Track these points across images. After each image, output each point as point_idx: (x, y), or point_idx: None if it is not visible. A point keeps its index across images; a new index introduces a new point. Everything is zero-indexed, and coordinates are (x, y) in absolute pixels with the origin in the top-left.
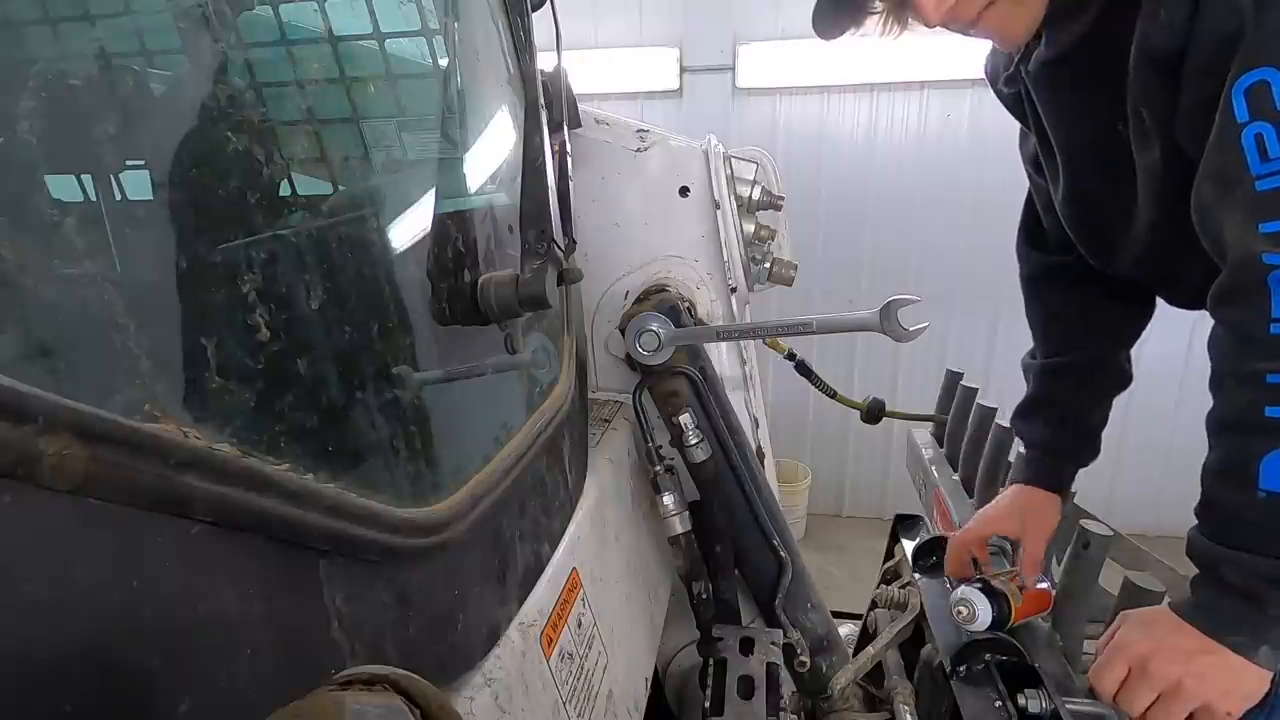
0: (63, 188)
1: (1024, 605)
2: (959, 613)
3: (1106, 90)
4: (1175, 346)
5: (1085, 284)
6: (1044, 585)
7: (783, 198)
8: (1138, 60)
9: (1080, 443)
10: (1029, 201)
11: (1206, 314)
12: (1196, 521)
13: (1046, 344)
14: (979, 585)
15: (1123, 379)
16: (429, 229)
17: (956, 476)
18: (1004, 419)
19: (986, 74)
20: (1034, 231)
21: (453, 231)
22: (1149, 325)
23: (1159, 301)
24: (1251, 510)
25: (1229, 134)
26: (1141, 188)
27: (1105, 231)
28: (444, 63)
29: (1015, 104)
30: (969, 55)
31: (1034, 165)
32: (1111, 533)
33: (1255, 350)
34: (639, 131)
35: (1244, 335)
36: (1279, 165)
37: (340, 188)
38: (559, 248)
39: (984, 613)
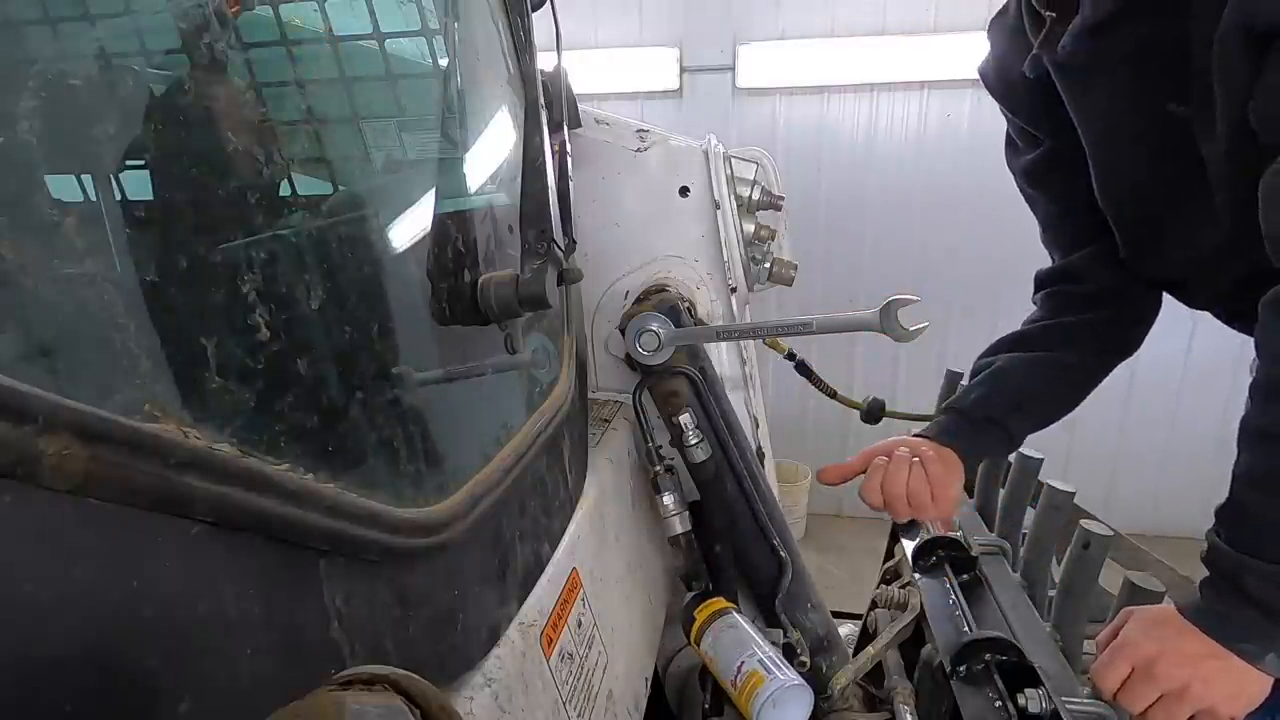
0: (63, 188)
1: None
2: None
3: (1158, 64)
4: (1175, 348)
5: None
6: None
7: (783, 198)
8: (1230, 36)
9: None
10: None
11: (1206, 316)
12: (1216, 524)
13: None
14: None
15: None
16: (429, 229)
17: None
18: None
19: (982, 73)
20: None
21: (453, 231)
22: (1147, 326)
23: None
24: None
25: None
26: (1211, 176)
27: (1155, 225)
28: (444, 63)
29: (1029, 98)
30: (969, 55)
31: (1028, 177)
32: (1111, 533)
33: None
34: (639, 131)
35: None
36: None
37: (340, 188)
38: (559, 248)
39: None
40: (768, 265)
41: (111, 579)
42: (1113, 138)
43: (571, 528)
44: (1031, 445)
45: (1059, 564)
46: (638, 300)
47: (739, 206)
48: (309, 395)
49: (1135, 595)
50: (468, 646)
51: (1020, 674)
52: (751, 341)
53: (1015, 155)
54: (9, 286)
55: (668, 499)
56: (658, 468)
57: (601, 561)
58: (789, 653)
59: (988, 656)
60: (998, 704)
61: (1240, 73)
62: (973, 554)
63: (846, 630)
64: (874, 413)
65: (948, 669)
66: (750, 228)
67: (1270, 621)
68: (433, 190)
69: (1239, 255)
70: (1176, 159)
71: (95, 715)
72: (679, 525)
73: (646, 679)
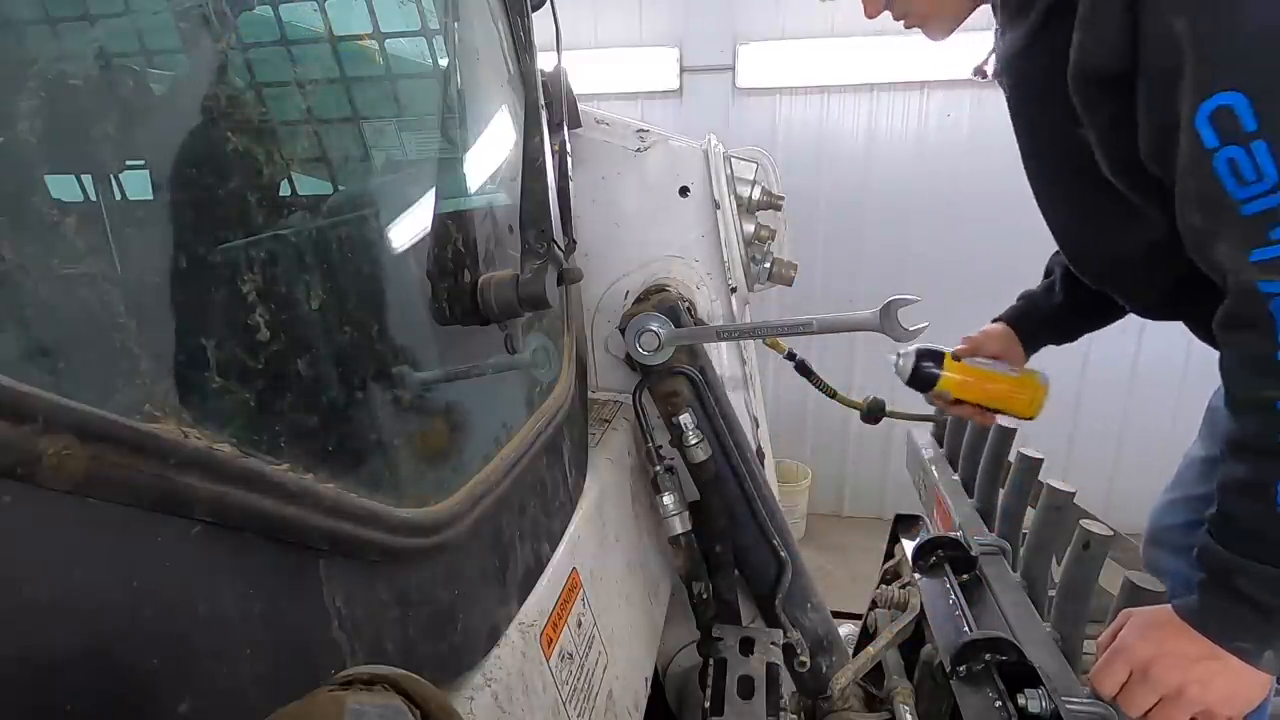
0: (63, 188)
1: (969, 382)
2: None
3: (1060, 93)
4: (1175, 348)
5: None
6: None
7: (783, 198)
8: (1076, 77)
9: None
10: None
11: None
12: (1208, 526)
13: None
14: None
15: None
16: (429, 229)
17: (956, 476)
18: (1003, 419)
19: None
20: None
21: (453, 231)
22: (1145, 328)
23: None
24: (1272, 526)
25: (1201, 161)
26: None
27: (1078, 230)
28: (444, 63)
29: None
30: (969, 55)
31: None
32: (1111, 533)
33: (1265, 378)
34: (639, 131)
35: (1251, 362)
36: (1257, 188)
37: (340, 188)
38: (559, 248)
39: (908, 362)
40: (768, 265)
41: (111, 579)
42: (1037, 154)
43: (571, 528)
44: (1031, 445)
45: (1059, 564)
46: (638, 300)
47: (739, 206)
48: (309, 395)
49: (1135, 595)
50: (468, 646)
51: (1020, 674)
52: (751, 341)
53: None
54: (9, 286)
55: (668, 499)
56: (658, 468)
57: (601, 561)
58: (789, 653)
59: (988, 656)
60: (998, 704)
61: (1102, 108)
62: (973, 554)
63: (846, 630)
64: (874, 413)
65: (948, 669)
66: (750, 228)
67: (1264, 619)
68: (433, 190)
69: (1159, 261)
70: (1089, 176)
71: (95, 715)
72: (679, 525)
73: (646, 679)
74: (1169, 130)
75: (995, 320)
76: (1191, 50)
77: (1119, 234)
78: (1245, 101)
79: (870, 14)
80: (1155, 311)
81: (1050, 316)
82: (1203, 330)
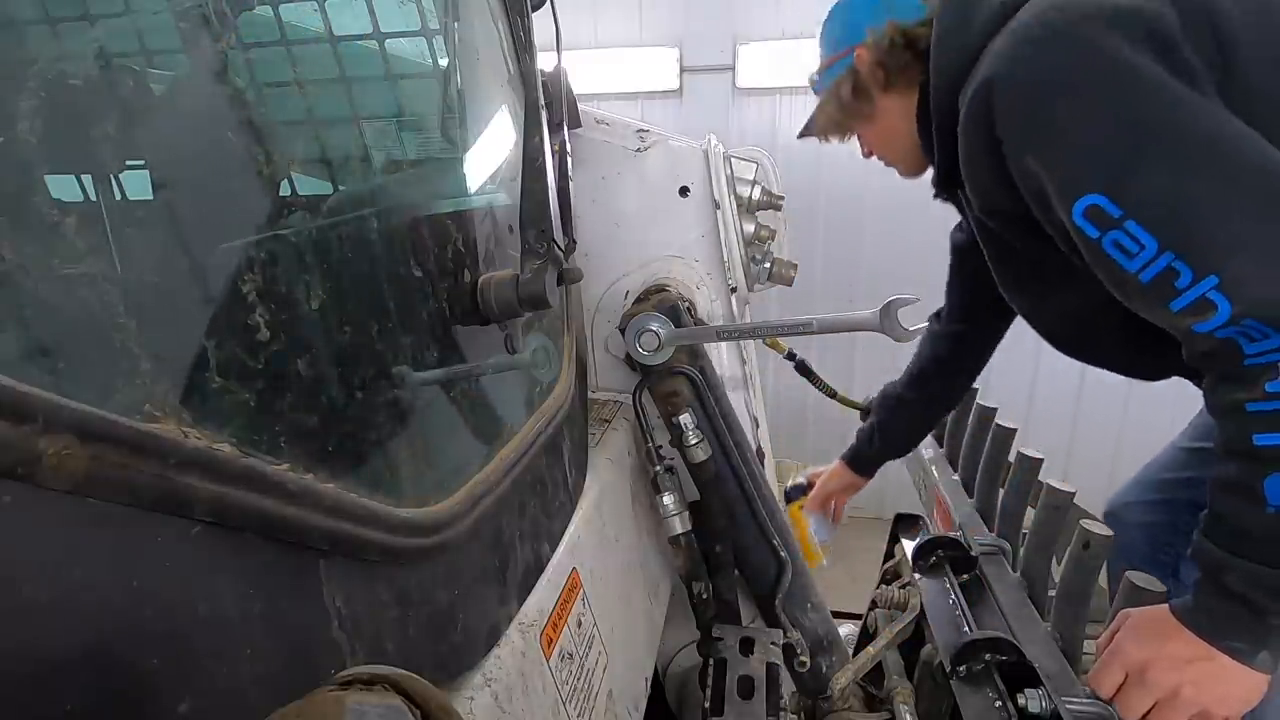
0: (63, 188)
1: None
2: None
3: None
4: None
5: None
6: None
7: (783, 198)
8: (982, 213)
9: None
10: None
11: None
12: (1202, 525)
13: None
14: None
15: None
16: (429, 229)
17: (956, 476)
18: (1004, 419)
19: None
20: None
21: (453, 231)
22: None
23: None
24: (1260, 526)
25: (1095, 249)
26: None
27: (1019, 296)
28: (444, 63)
29: None
30: None
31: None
32: (1111, 533)
33: (1235, 384)
34: (639, 131)
35: (1224, 377)
36: (1144, 258)
37: (340, 188)
38: (559, 247)
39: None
40: (768, 265)
41: (111, 579)
42: (991, 255)
43: (571, 528)
44: (1031, 445)
45: (1059, 564)
46: (638, 300)
47: (739, 206)
48: (309, 395)
49: (1135, 595)
50: (468, 646)
51: (1020, 674)
52: (751, 341)
53: None
54: (9, 286)
55: (668, 499)
56: (658, 468)
57: (601, 561)
58: (789, 653)
59: (988, 656)
60: (998, 704)
61: (1005, 228)
62: (973, 554)
63: (846, 630)
64: None
65: (948, 669)
66: (750, 228)
67: (1256, 618)
68: (433, 191)
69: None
70: (1027, 258)
71: (95, 715)
72: (679, 525)
73: (646, 679)
74: (1065, 232)
75: (840, 457)
76: (1047, 177)
77: (1069, 295)
78: (1103, 198)
79: (865, 155)
80: (1130, 366)
81: (873, 458)
82: (1190, 375)
